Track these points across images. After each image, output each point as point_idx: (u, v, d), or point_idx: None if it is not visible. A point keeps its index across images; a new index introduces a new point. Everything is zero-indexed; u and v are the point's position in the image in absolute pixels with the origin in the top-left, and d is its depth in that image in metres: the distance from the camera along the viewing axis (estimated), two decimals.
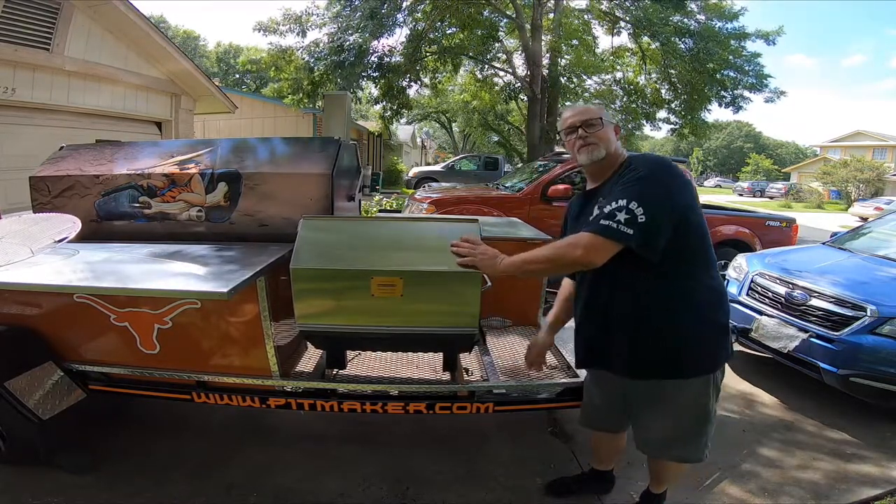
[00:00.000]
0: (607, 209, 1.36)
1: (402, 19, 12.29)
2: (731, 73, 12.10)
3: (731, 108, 12.60)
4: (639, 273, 1.42)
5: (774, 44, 12.22)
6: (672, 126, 14.11)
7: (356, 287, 1.77)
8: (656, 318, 1.46)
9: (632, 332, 1.49)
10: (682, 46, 12.04)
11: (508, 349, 2.45)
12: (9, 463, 2.05)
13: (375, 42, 12.14)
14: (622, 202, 1.34)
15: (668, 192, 1.39)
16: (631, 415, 1.68)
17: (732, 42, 12.00)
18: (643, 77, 13.91)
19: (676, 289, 1.44)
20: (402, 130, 26.01)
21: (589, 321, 1.61)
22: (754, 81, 12.22)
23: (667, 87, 13.14)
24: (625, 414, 1.69)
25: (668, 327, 1.45)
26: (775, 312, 3.22)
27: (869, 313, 2.83)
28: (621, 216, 1.34)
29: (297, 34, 12.14)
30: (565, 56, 13.96)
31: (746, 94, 12.49)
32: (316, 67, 12.09)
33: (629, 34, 13.39)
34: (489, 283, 1.84)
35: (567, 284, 1.84)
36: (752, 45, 12.34)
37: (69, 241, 2.16)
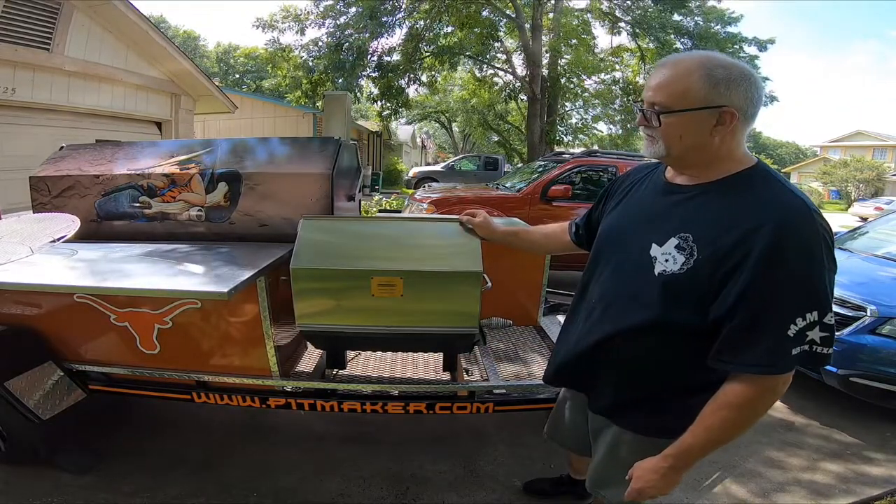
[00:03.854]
0: (792, 332, 0.93)
1: (401, 18, 12.33)
2: None
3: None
4: (700, 347, 1.05)
5: (766, 50, 12.43)
6: None
7: (356, 287, 1.76)
8: (679, 390, 1.14)
9: (642, 389, 1.18)
10: (681, 46, 12.11)
11: (509, 349, 2.45)
12: (9, 463, 2.05)
13: (375, 42, 12.18)
14: (811, 315, 0.93)
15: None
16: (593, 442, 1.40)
17: (731, 46, 12.14)
18: (642, 77, 13.95)
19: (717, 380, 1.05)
20: (402, 130, 25.99)
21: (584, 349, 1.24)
22: None
23: None
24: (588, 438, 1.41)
25: (680, 405, 1.11)
26: None
27: (869, 313, 2.84)
28: (815, 334, 0.94)
29: (296, 32, 12.18)
30: (565, 56, 14.00)
31: None
32: (315, 68, 12.13)
33: (629, 35, 13.45)
34: (489, 284, 1.83)
35: (552, 233, 1.60)
36: (747, 50, 12.54)
37: (70, 241, 2.16)
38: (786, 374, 0.98)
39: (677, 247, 1.05)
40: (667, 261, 1.06)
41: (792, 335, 0.94)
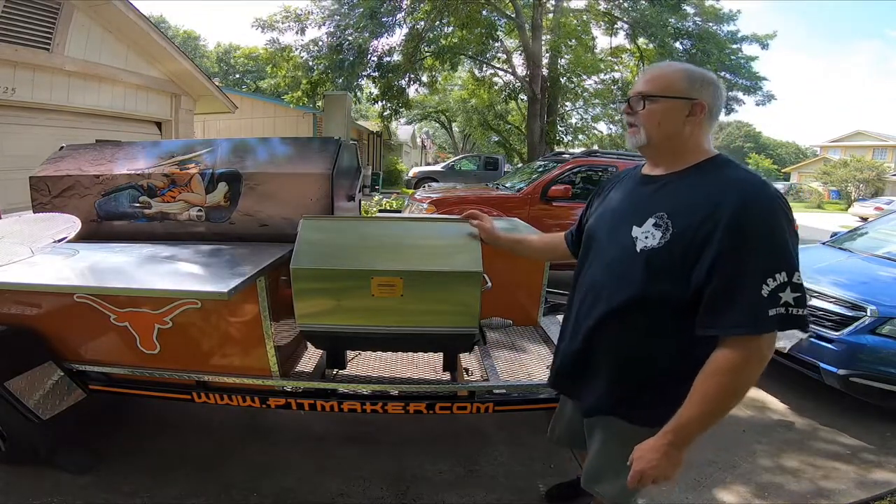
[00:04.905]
0: (766, 292, 1.00)
1: (401, 18, 12.33)
2: (728, 76, 12.24)
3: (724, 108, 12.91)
4: (686, 323, 1.11)
5: (767, 47, 12.45)
6: None
7: (356, 287, 1.76)
8: (672, 376, 1.17)
9: (639, 379, 1.23)
10: (680, 47, 12.12)
11: (509, 349, 2.45)
12: (9, 463, 2.05)
13: (375, 42, 12.17)
14: (780, 276, 1.01)
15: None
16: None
17: (730, 45, 12.17)
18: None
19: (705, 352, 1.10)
20: (402, 130, 25.99)
21: (576, 345, 1.31)
22: (748, 84, 12.42)
23: None
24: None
25: (673, 388, 1.14)
26: None
27: (869, 313, 2.84)
28: (788, 296, 1.01)
29: (297, 32, 12.18)
30: (565, 56, 14.00)
31: (740, 95, 12.75)
32: (315, 67, 12.12)
33: (626, 35, 13.47)
34: (489, 284, 1.83)
35: (552, 241, 1.67)
36: (747, 49, 12.58)
37: (69, 241, 2.16)
38: (767, 335, 1.04)
39: (654, 224, 1.16)
40: (646, 238, 1.16)
41: (766, 295, 1.01)
